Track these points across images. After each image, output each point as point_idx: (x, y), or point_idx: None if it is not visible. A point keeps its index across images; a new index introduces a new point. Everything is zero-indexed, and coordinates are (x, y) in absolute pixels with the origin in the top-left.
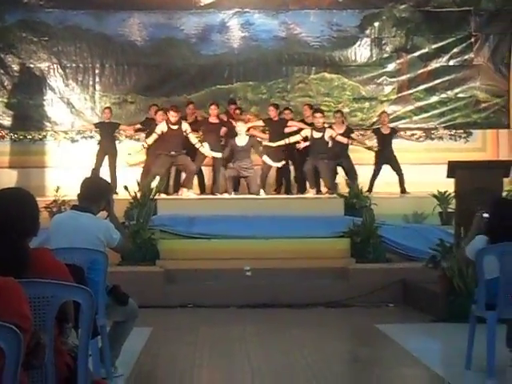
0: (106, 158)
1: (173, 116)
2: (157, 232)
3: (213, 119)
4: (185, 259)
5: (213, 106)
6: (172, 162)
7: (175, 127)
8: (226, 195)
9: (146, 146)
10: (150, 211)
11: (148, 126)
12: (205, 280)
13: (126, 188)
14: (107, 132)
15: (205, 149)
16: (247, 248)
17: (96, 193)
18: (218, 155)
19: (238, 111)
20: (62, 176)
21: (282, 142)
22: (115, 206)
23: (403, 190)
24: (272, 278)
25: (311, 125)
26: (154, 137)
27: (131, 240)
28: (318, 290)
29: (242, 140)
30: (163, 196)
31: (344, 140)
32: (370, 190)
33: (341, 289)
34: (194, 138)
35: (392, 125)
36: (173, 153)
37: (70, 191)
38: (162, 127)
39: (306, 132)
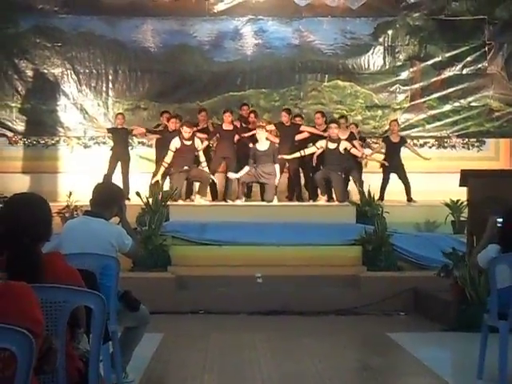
0: (119, 164)
1: (186, 132)
2: (169, 238)
3: (227, 126)
4: (196, 265)
5: (227, 114)
6: (186, 177)
7: (189, 143)
8: (238, 202)
9: (166, 165)
10: (162, 217)
11: (159, 131)
12: (216, 286)
13: (138, 194)
14: (120, 138)
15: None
16: (258, 255)
17: (108, 198)
18: (235, 176)
19: (252, 114)
20: (74, 181)
21: (297, 155)
22: (127, 212)
23: (409, 199)
24: (283, 285)
25: (324, 132)
26: (170, 155)
27: (143, 246)
28: (329, 298)
29: (262, 145)
30: (175, 202)
31: (358, 153)
32: (381, 198)
33: (352, 297)
34: (202, 157)
35: (404, 133)
36: (186, 167)
37: (83, 197)
38: (175, 144)
39: (322, 143)
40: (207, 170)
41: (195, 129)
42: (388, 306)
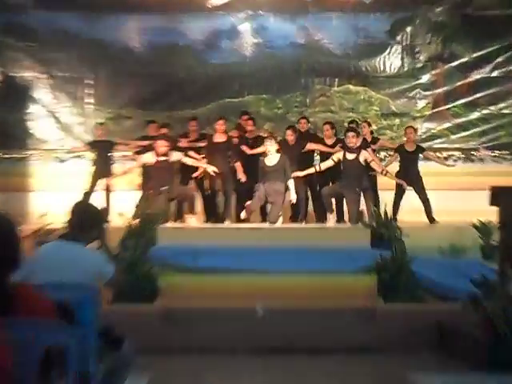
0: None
1: (162, 146)
2: (156, 265)
3: (219, 137)
4: (188, 297)
5: (220, 121)
6: (167, 198)
7: (163, 158)
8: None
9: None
10: (149, 241)
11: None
12: (211, 321)
13: (121, 215)
14: (102, 151)
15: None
16: (260, 284)
17: (87, 220)
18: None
19: (250, 121)
20: (48, 201)
21: (311, 170)
22: (109, 236)
23: (431, 220)
24: (288, 319)
25: (332, 147)
26: (134, 168)
27: (126, 275)
28: (340, 334)
29: (272, 159)
30: (164, 224)
31: (378, 168)
32: (394, 217)
33: (367, 332)
34: (192, 161)
35: (426, 145)
36: (163, 188)
37: (58, 218)
38: (146, 158)
39: (339, 155)
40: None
41: (186, 143)
42: (408, 343)
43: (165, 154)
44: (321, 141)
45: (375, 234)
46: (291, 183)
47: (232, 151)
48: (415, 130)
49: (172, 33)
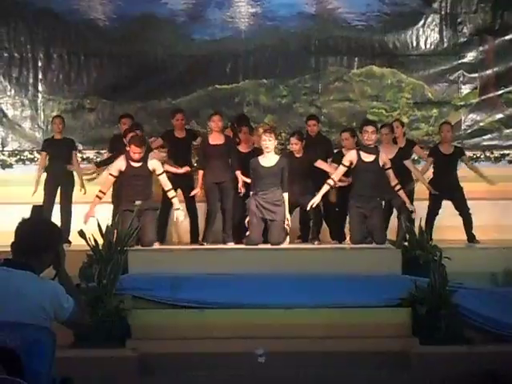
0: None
1: (135, 152)
2: (127, 299)
3: (215, 138)
4: (168, 339)
5: (215, 117)
6: (138, 215)
7: (138, 164)
8: (228, 245)
9: (101, 196)
10: (118, 268)
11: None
12: (197, 369)
13: (81, 234)
14: (60, 153)
15: (179, 208)
16: (259, 322)
17: (39, 241)
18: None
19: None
20: None
21: (325, 189)
22: (67, 261)
23: (471, 238)
24: (296, 366)
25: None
26: (109, 181)
27: (90, 310)
28: None
29: (269, 159)
30: (137, 247)
31: (392, 181)
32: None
33: (399, 382)
34: (167, 183)
35: (473, 142)
36: (138, 202)
37: (1, 239)
38: (118, 165)
39: (350, 157)
40: (176, 205)
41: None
42: None
43: (138, 160)
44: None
45: (408, 256)
46: (285, 197)
47: (233, 156)
48: (453, 128)
49: (146, 1)
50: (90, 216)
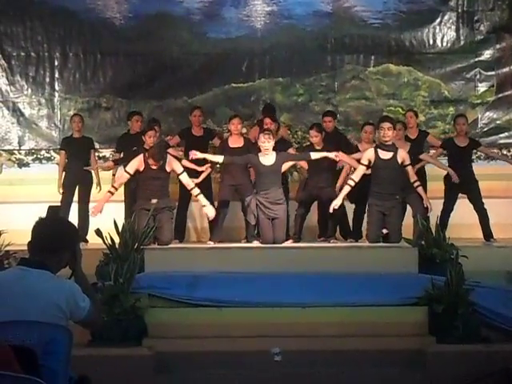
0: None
1: (151, 137)
2: (144, 297)
3: (235, 141)
4: (184, 337)
5: (235, 120)
6: (156, 212)
7: (156, 166)
8: (255, 243)
9: (113, 191)
10: (135, 267)
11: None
12: (213, 368)
13: (98, 233)
14: (78, 152)
15: (206, 205)
16: (276, 321)
17: (56, 241)
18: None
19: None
20: (5, 216)
21: (346, 190)
22: (83, 260)
23: (487, 236)
24: (313, 365)
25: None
26: (123, 179)
27: (107, 309)
28: None
29: (269, 157)
30: (153, 246)
31: (412, 178)
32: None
33: (415, 382)
34: (189, 182)
35: (489, 139)
36: (154, 201)
37: (18, 238)
38: (136, 165)
39: (368, 155)
40: (203, 201)
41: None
42: None
43: (157, 159)
44: (352, 147)
45: (424, 255)
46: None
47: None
48: (467, 120)
49: (162, 0)
50: (98, 211)
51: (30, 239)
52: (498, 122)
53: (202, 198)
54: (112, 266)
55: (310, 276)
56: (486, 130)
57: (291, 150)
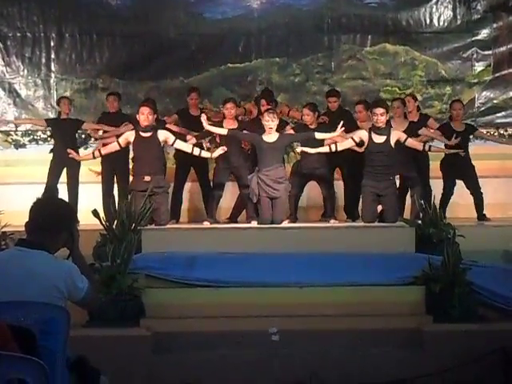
0: (64, 171)
1: (143, 113)
2: (141, 278)
3: (229, 125)
4: (182, 317)
5: (229, 105)
6: (151, 192)
7: (147, 134)
8: (253, 223)
9: (96, 154)
10: (132, 248)
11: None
12: (211, 348)
13: (95, 213)
14: (65, 133)
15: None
16: (273, 301)
17: (53, 221)
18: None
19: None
20: (1, 197)
21: (324, 149)
22: (81, 240)
23: (481, 217)
24: (310, 344)
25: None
26: (111, 148)
27: (104, 290)
28: (378, 363)
29: (271, 136)
30: (150, 226)
31: (419, 146)
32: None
33: (412, 361)
34: (184, 146)
35: (484, 119)
36: (147, 178)
37: (15, 219)
38: (128, 135)
39: (362, 134)
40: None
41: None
42: (465, 375)
43: (146, 128)
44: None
45: (421, 234)
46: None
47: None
48: (464, 106)
49: None
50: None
51: (27, 220)
52: (494, 101)
53: (205, 153)
54: (109, 246)
55: (308, 256)
56: (482, 109)
57: (289, 129)
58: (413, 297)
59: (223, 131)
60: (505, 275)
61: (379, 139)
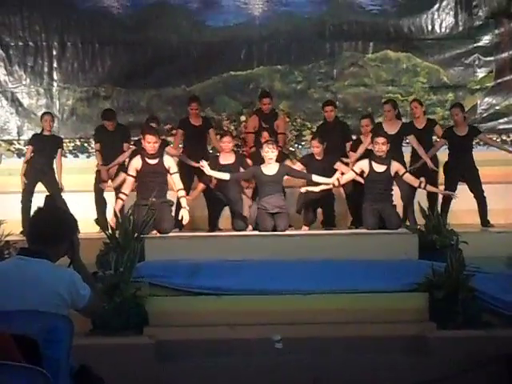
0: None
1: (150, 142)
2: (144, 286)
3: (226, 158)
4: (185, 325)
5: (226, 139)
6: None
7: (154, 161)
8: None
9: (124, 198)
10: (135, 256)
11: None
12: (214, 356)
13: (98, 222)
14: (45, 148)
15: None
16: (276, 308)
17: (54, 230)
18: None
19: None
20: (4, 206)
21: (327, 187)
22: (84, 249)
23: (484, 222)
24: (314, 352)
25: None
26: (129, 183)
27: (107, 299)
28: (381, 370)
29: (271, 168)
30: (153, 234)
31: (415, 183)
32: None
33: (416, 367)
34: (179, 183)
35: (488, 125)
36: (153, 199)
37: (18, 228)
38: (135, 164)
39: (362, 165)
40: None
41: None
42: (469, 381)
43: (154, 156)
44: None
45: (424, 241)
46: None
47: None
48: (463, 110)
49: None
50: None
51: (28, 229)
52: (497, 107)
53: (183, 200)
54: (112, 255)
55: (311, 263)
56: (485, 115)
57: (288, 162)
58: (416, 303)
59: (225, 176)
60: (508, 281)
61: (380, 168)
